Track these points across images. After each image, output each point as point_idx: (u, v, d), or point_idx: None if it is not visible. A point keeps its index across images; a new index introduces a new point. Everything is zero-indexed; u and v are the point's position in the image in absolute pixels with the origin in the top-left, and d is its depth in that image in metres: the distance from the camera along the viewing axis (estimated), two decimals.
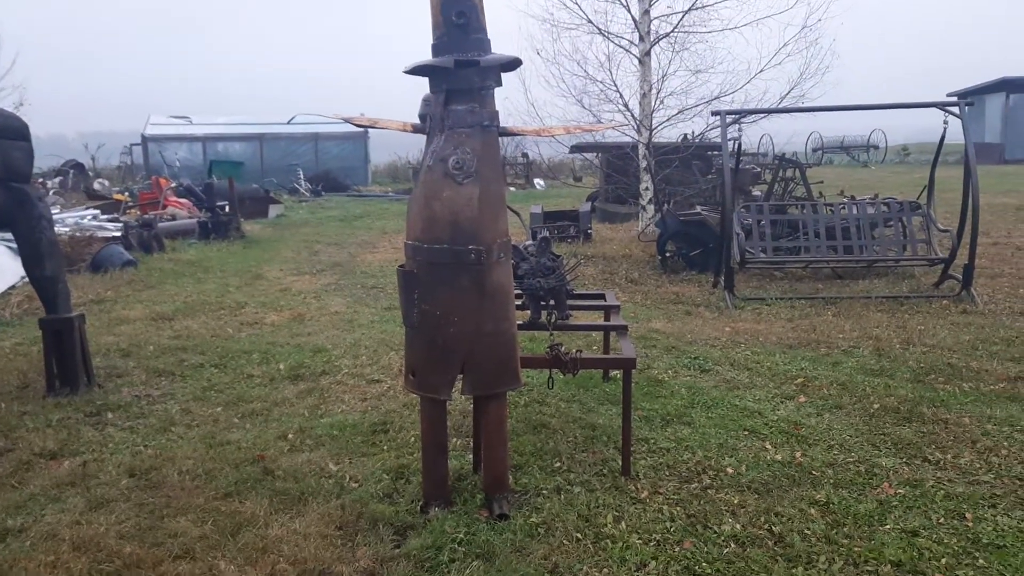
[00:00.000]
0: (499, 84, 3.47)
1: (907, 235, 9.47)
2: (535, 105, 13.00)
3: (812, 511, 3.59)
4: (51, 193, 19.08)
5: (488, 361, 3.54)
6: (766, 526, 3.47)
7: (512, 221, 3.95)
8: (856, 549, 3.26)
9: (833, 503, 3.66)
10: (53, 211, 12.59)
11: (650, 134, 12.65)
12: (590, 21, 12.79)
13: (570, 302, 4.52)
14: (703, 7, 12.44)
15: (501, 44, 3.43)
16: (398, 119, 3.66)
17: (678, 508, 3.64)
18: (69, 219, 13.42)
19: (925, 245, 9.32)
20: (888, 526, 3.46)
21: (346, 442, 4.50)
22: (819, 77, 12.34)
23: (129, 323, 7.63)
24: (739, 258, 8.80)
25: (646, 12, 12.39)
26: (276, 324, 7.65)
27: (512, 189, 24.25)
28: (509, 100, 13.94)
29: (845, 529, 3.44)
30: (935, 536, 3.37)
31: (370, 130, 22.79)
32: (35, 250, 5.45)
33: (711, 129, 12.75)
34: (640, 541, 3.35)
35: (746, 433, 4.56)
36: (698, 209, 10.54)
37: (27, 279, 6.09)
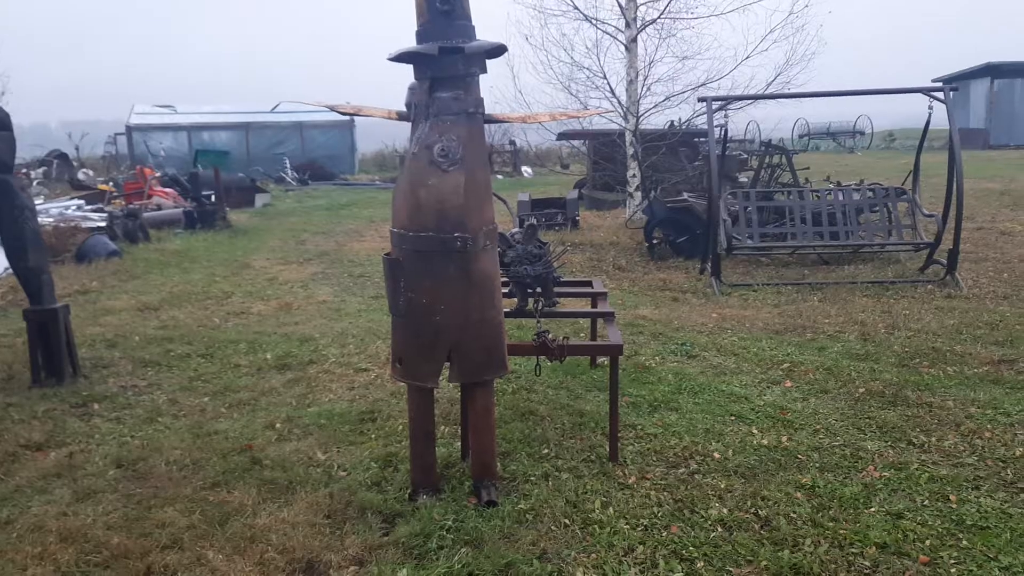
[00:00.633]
0: (484, 71, 3.45)
1: (892, 220, 9.53)
2: (523, 92, 13.03)
3: (798, 495, 3.62)
4: (35, 183, 18.92)
5: (475, 349, 3.54)
6: (752, 510, 3.50)
7: (499, 208, 3.95)
8: (841, 532, 3.29)
9: (819, 487, 3.69)
10: (37, 201, 12.49)
11: (637, 121, 12.65)
12: (577, 8, 12.78)
13: (557, 289, 4.51)
14: None
15: (490, 30, 3.41)
16: (383, 107, 3.64)
17: (665, 493, 3.66)
18: (53, 209, 13.29)
19: (911, 230, 9.37)
20: (873, 509, 3.49)
21: (334, 431, 4.50)
22: (805, 63, 12.38)
23: (114, 314, 7.58)
24: (726, 244, 8.84)
25: None
26: (263, 313, 7.63)
27: (499, 177, 24.20)
28: (496, 88, 13.89)
29: (831, 512, 3.47)
30: (919, 518, 3.40)
31: (357, 118, 22.69)
32: (19, 241, 5.41)
33: (698, 116, 12.75)
34: (628, 526, 3.37)
35: (733, 418, 4.59)
36: (685, 196, 10.55)
37: (11, 270, 6.05)
